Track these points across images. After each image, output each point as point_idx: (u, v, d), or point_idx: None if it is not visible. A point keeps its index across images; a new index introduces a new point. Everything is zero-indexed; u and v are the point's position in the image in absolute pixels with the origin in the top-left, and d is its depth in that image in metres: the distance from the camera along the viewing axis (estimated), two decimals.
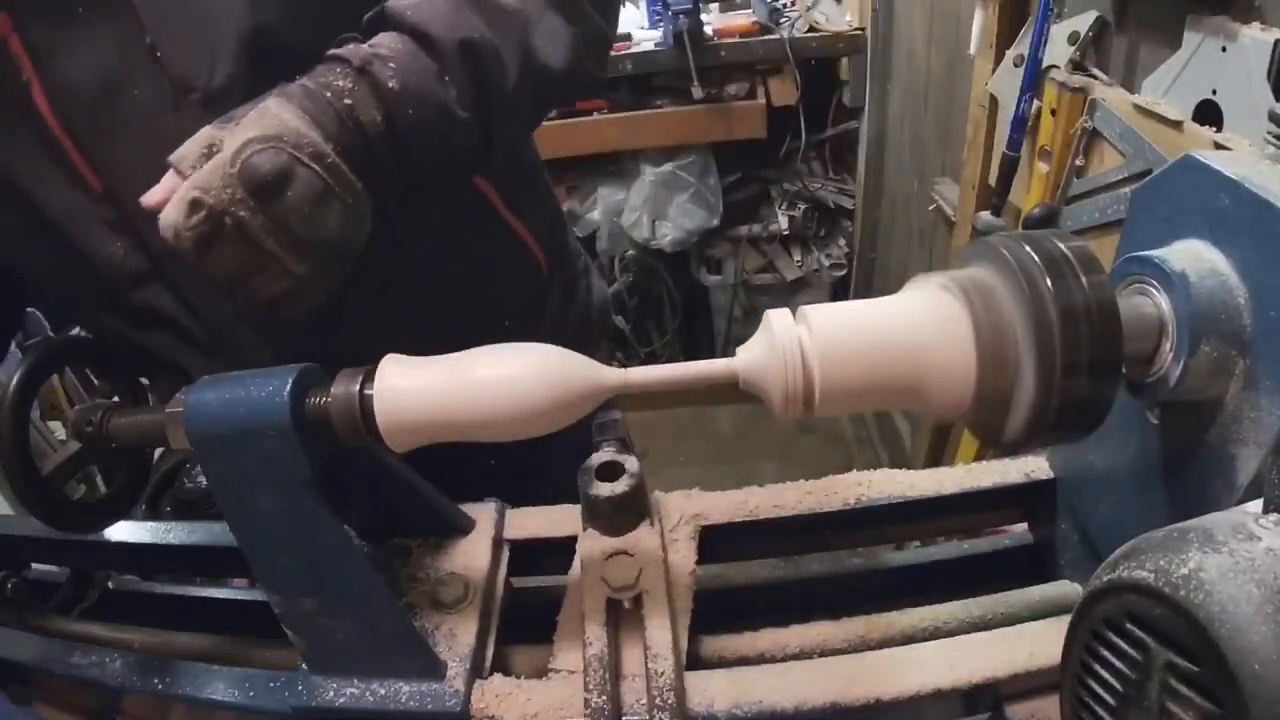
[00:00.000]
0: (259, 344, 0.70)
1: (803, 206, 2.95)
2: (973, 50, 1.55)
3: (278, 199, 0.52)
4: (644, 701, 0.49)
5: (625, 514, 0.54)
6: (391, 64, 0.56)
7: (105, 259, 0.66)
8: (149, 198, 0.55)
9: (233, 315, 0.69)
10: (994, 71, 1.46)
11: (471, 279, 0.80)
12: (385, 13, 0.59)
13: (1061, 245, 0.42)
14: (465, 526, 0.62)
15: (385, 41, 0.58)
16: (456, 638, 0.54)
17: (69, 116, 0.60)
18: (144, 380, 0.72)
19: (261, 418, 0.45)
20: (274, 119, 0.53)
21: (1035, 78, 1.28)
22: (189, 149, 0.54)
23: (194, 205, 0.51)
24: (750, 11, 2.54)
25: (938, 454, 1.84)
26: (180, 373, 0.72)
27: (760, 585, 0.67)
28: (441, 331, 0.53)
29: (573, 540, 0.58)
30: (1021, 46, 1.32)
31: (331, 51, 0.58)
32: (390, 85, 0.56)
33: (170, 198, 0.53)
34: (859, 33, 2.48)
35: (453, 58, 0.58)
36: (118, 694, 0.63)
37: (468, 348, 0.47)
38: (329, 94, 0.55)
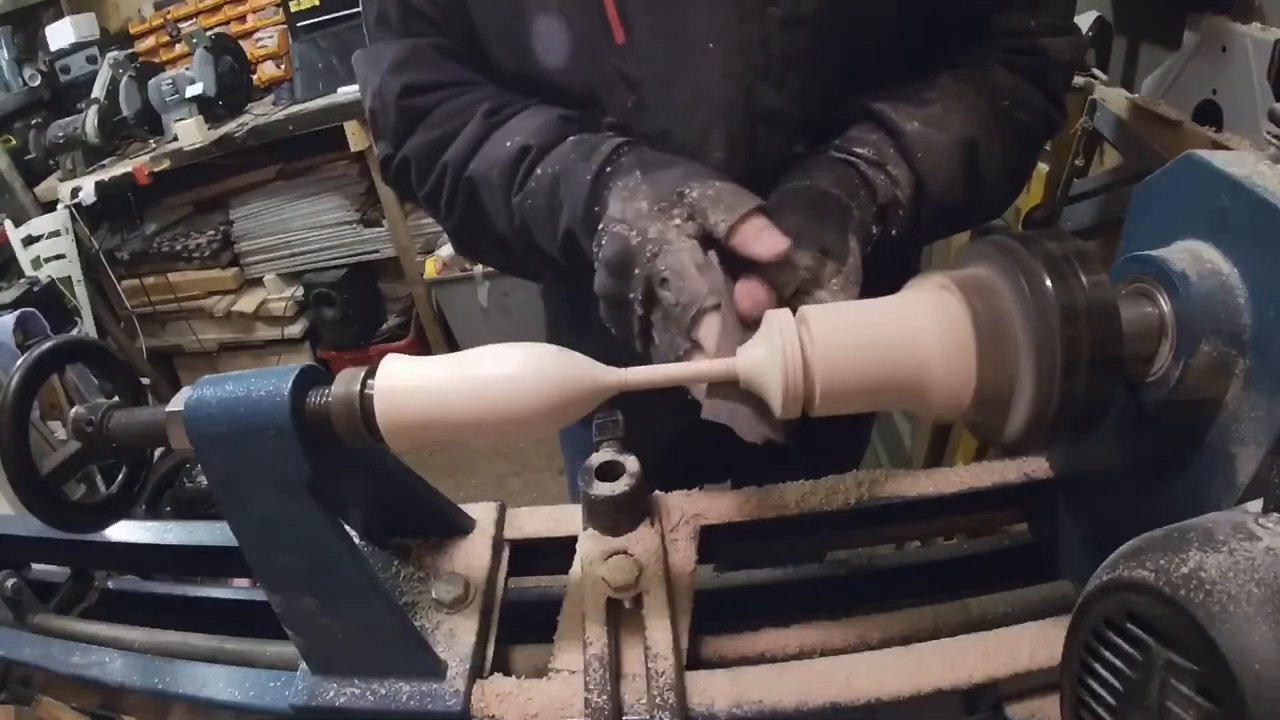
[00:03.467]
0: None
1: None
2: None
3: None
4: (644, 701, 0.49)
5: (625, 514, 0.54)
6: (900, 211, 0.63)
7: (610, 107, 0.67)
8: (769, 247, 0.54)
9: None
10: None
11: None
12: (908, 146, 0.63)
13: (1061, 245, 0.42)
14: (465, 526, 0.62)
15: (903, 188, 0.62)
16: (456, 638, 0.54)
17: None
18: None
19: (261, 417, 0.45)
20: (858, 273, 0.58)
21: None
22: (803, 258, 0.55)
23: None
24: None
25: (938, 454, 1.84)
26: None
27: (760, 585, 0.67)
28: None
29: (573, 540, 0.58)
30: None
31: (868, 176, 0.62)
32: (892, 233, 0.63)
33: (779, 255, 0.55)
34: None
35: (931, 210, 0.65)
36: (118, 694, 0.63)
37: None
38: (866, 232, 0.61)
